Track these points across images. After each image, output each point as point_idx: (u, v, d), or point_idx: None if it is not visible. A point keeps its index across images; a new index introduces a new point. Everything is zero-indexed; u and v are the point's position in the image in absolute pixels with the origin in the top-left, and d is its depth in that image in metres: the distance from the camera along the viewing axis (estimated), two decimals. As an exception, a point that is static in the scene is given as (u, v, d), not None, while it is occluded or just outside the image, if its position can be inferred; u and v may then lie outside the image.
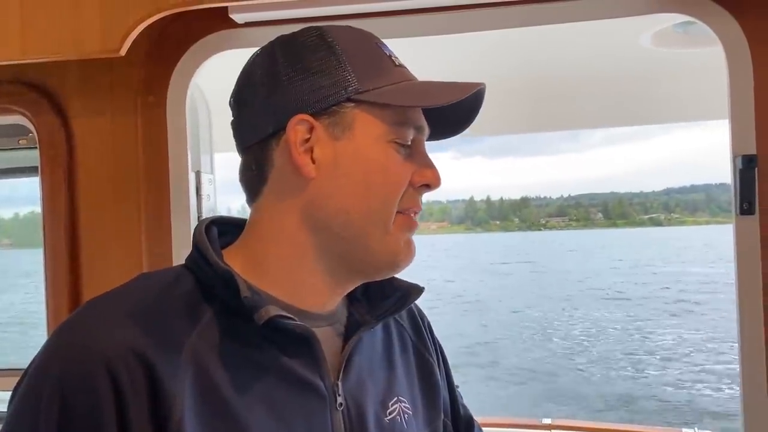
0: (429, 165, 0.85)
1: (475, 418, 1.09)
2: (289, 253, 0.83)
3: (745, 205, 1.29)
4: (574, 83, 2.21)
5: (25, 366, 0.75)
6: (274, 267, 0.84)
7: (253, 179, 0.85)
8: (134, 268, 1.42)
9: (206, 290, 0.80)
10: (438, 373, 1.02)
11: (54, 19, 1.28)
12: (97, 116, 1.45)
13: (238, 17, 1.36)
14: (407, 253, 0.85)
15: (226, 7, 1.33)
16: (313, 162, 0.81)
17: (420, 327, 1.03)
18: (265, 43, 0.87)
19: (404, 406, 0.91)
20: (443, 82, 0.84)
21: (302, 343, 0.80)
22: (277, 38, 0.87)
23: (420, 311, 1.05)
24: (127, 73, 1.43)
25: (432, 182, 0.85)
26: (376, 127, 0.81)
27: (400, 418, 0.90)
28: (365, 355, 0.89)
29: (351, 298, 0.93)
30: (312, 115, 0.81)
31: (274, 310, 0.76)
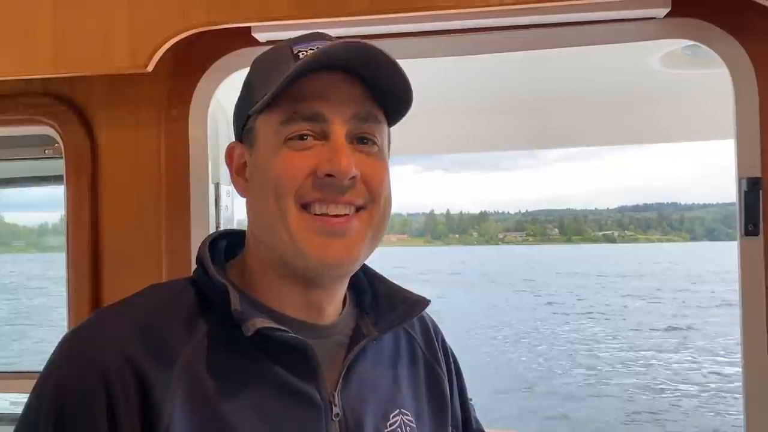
0: (333, 153, 0.80)
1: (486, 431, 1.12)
2: (260, 266, 0.88)
3: (750, 227, 1.32)
4: (583, 101, 2.24)
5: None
6: (259, 280, 0.88)
7: None
8: (154, 276, 1.46)
9: (206, 302, 0.84)
10: (447, 387, 1.02)
11: (85, 36, 1.33)
12: (122, 128, 1.50)
13: (260, 36, 1.41)
14: (325, 255, 0.81)
15: (249, 27, 1.38)
16: (246, 181, 0.89)
17: (432, 340, 1.04)
18: None
19: (406, 419, 0.92)
20: (314, 51, 0.82)
21: (297, 354, 0.82)
22: None
23: (434, 325, 1.07)
24: (152, 87, 1.48)
25: (332, 170, 0.80)
26: (269, 131, 0.84)
27: (401, 431, 0.90)
28: (369, 367, 0.91)
29: (361, 311, 0.95)
30: (240, 140, 0.90)
31: (261, 322, 0.79)
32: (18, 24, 1.34)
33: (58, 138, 1.53)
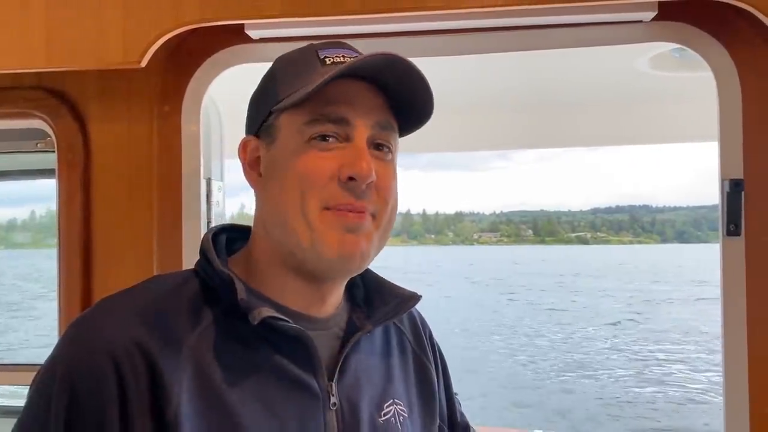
0: (356, 157, 0.83)
1: (472, 426, 1.14)
2: (267, 259, 0.90)
3: (732, 227, 1.35)
4: (572, 103, 2.27)
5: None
6: (263, 273, 0.90)
7: None
8: (145, 271, 1.48)
9: (210, 293, 0.86)
10: (436, 379, 1.05)
11: (78, 30, 1.34)
12: (115, 123, 1.51)
13: (253, 33, 1.42)
14: (342, 250, 0.83)
15: (243, 24, 1.40)
16: (260, 176, 0.91)
17: (421, 334, 1.07)
18: None
19: (400, 409, 0.95)
20: (345, 62, 0.86)
21: (297, 344, 0.85)
22: None
23: (422, 320, 1.10)
24: (145, 82, 1.49)
25: (355, 173, 0.82)
26: (293, 129, 0.86)
27: (395, 420, 0.93)
28: (363, 358, 0.94)
29: (353, 305, 0.98)
30: (256, 135, 0.91)
31: (267, 312, 0.81)
32: (11, 18, 1.35)
33: (50, 132, 1.54)
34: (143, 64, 1.34)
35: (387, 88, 0.88)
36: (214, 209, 1.57)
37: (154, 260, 1.49)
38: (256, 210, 0.92)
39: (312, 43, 0.93)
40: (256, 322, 0.81)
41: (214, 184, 1.58)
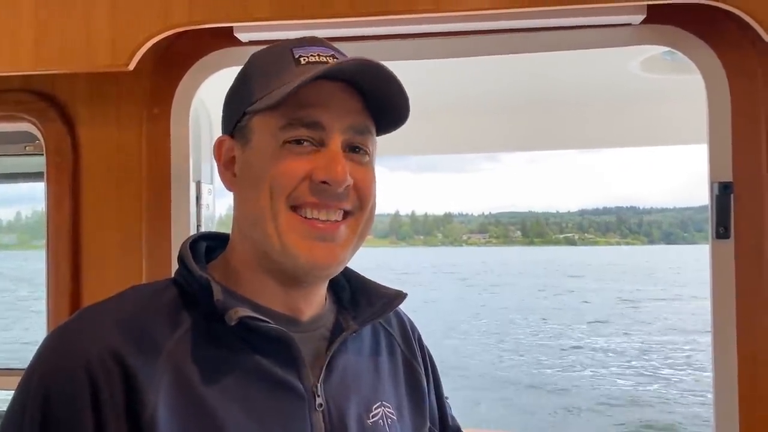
0: (330, 162, 0.83)
1: (463, 430, 1.13)
2: (245, 260, 0.90)
3: (721, 230, 1.35)
4: (565, 105, 2.27)
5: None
6: (241, 274, 0.90)
7: None
8: (134, 274, 1.47)
9: (189, 298, 0.86)
10: (425, 382, 1.05)
11: (66, 33, 1.33)
12: (103, 126, 1.50)
13: (242, 36, 1.42)
14: (312, 257, 0.84)
15: (231, 27, 1.39)
16: (235, 176, 0.91)
17: (409, 337, 1.07)
18: None
19: (388, 411, 0.95)
20: (321, 65, 0.85)
21: (280, 345, 0.85)
22: None
23: (411, 322, 1.09)
24: (134, 85, 1.49)
25: (329, 178, 0.82)
26: (267, 131, 0.86)
27: (383, 422, 0.93)
28: (350, 360, 0.93)
29: (339, 306, 0.98)
30: (230, 135, 0.91)
31: (243, 311, 0.81)
32: None
33: (39, 135, 1.53)
34: (132, 67, 1.34)
35: (363, 89, 0.87)
36: (204, 212, 1.57)
37: (143, 263, 1.48)
38: (234, 211, 0.92)
39: (286, 40, 0.92)
40: (233, 323, 0.80)
41: (204, 187, 1.58)
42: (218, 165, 0.93)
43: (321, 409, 0.86)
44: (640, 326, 21.31)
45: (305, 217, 0.84)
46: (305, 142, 0.84)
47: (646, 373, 14.71)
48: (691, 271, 43.58)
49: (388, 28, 1.38)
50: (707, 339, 1.38)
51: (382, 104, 0.88)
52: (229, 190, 0.93)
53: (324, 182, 0.83)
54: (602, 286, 36.70)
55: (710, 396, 1.37)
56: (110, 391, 0.75)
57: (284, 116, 0.84)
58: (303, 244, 0.84)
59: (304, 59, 0.87)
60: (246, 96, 0.89)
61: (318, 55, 0.87)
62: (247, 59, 1.45)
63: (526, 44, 1.41)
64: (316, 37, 0.92)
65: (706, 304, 1.40)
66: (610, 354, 17.05)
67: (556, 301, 29.85)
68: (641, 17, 1.34)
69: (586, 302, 28.37)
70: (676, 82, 1.97)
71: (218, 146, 0.93)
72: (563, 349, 17.74)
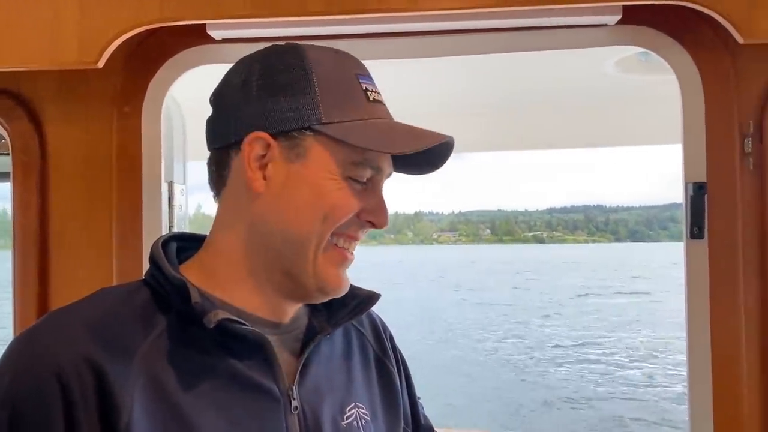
0: (380, 206, 0.88)
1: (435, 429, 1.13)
2: (237, 267, 0.88)
3: (695, 230, 1.36)
4: (538, 105, 2.28)
5: None
6: (225, 280, 0.88)
7: (215, 182, 0.91)
8: (104, 277, 1.44)
9: (162, 301, 0.84)
10: (398, 382, 1.05)
11: (33, 30, 1.29)
12: (72, 124, 1.47)
13: (215, 33, 1.39)
14: (336, 286, 0.88)
15: (205, 24, 1.37)
16: (265, 179, 0.85)
17: (382, 337, 1.06)
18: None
19: (362, 412, 0.94)
20: (409, 128, 0.87)
21: (255, 348, 0.83)
22: (263, 50, 0.90)
23: (383, 322, 1.09)
24: (104, 83, 1.45)
25: (378, 224, 0.88)
26: (331, 161, 0.84)
27: (357, 423, 0.92)
28: (323, 361, 0.93)
29: (312, 308, 0.97)
30: (272, 134, 0.84)
31: (222, 314, 0.80)
32: None
33: (4, 134, 1.49)
34: (101, 64, 1.30)
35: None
36: (177, 213, 1.54)
37: (114, 265, 1.45)
38: (235, 207, 0.88)
39: (347, 57, 0.90)
40: (211, 326, 0.79)
41: (177, 188, 1.55)
42: (246, 159, 0.85)
43: (296, 411, 0.86)
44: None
45: (337, 245, 0.87)
46: (365, 182, 0.87)
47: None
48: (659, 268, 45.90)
49: (363, 27, 1.37)
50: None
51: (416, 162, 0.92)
52: (252, 189, 0.85)
53: (371, 223, 0.88)
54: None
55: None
56: (83, 398, 0.73)
57: (355, 152, 0.84)
58: (334, 273, 0.87)
59: (371, 95, 0.88)
60: (308, 107, 0.84)
61: (375, 92, 0.89)
62: (220, 57, 1.44)
63: (501, 44, 1.41)
64: (360, 62, 0.92)
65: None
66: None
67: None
68: (617, 18, 1.34)
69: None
70: (651, 82, 1.98)
71: (254, 141, 0.84)
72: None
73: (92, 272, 1.45)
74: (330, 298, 0.90)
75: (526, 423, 11.22)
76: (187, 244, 0.94)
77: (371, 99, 0.88)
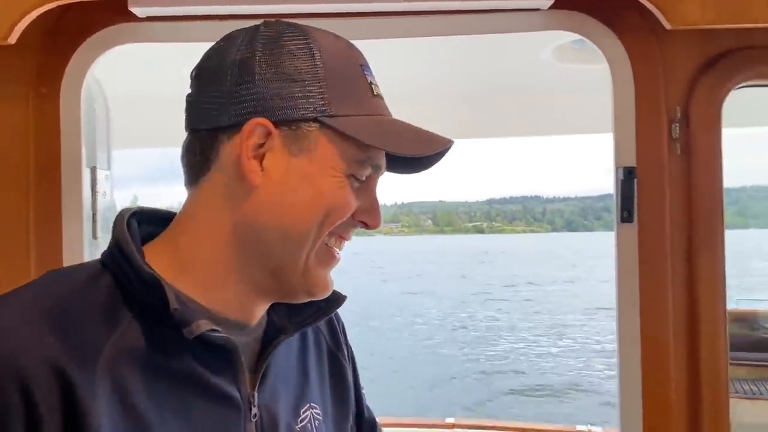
0: (374, 206, 0.84)
1: (377, 418, 1.10)
2: (217, 259, 0.80)
3: (625, 214, 1.38)
4: (476, 94, 2.28)
5: None
6: (201, 273, 0.80)
7: (195, 166, 0.81)
8: (20, 268, 1.35)
9: (125, 292, 0.76)
10: (350, 377, 1.02)
11: None
12: None
13: (138, 11, 1.32)
14: (323, 288, 0.84)
15: (126, 0, 1.30)
16: (262, 170, 0.78)
17: (336, 330, 1.02)
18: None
19: (315, 413, 0.91)
20: (412, 127, 0.83)
21: (223, 355, 0.78)
22: (264, 25, 0.82)
23: (336, 314, 1.03)
24: (18, 62, 1.36)
25: (372, 224, 0.84)
26: (337, 157, 0.78)
27: (311, 425, 0.89)
28: (281, 362, 0.88)
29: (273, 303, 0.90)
30: (273, 122, 0.77)
31: (205, 325, 0.74)
32: None
33: None
34: (13, 41, 1.22)
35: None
36: (101, 200, 1.46)
37: (31, 255, 1.37)
38: (221, 197, 0.80)
39: (350, 45, 0.84)
40: (191, 337, 0.73)
41: (100, 173, 1.47)
42: (244, 147, 0.77)
43: (255, 419, 0.81)
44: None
45: (327, 245, 0.82)
46: (363, 180, 0.82)
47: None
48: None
49: (288, 6, 1.32)
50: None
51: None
52: (247, 179, 0.78)
53: (363, 223, 0.83)
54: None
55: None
56: (49, 411, 0.66)
57: (362, 151, 0.79)
58: (323, 275, 0.83)
59: (375, 88, 0.83)
60: (314, 97, 0.78)
61: (377, 85, 0.84)
62: (143, 36, 1.37)
63: (434, 27, 1.39)
64: (361, 52, 0.85)
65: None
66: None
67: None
68: (550, 2, 1.34)
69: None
70: (586, 71, 2.01)
71: (253, 128, 0.77)
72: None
73: (7, 261, 1.36)
74: (312, 300, 0.85)
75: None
76: (145, 218, 0.85)
77: (375, 93, 0.82)
